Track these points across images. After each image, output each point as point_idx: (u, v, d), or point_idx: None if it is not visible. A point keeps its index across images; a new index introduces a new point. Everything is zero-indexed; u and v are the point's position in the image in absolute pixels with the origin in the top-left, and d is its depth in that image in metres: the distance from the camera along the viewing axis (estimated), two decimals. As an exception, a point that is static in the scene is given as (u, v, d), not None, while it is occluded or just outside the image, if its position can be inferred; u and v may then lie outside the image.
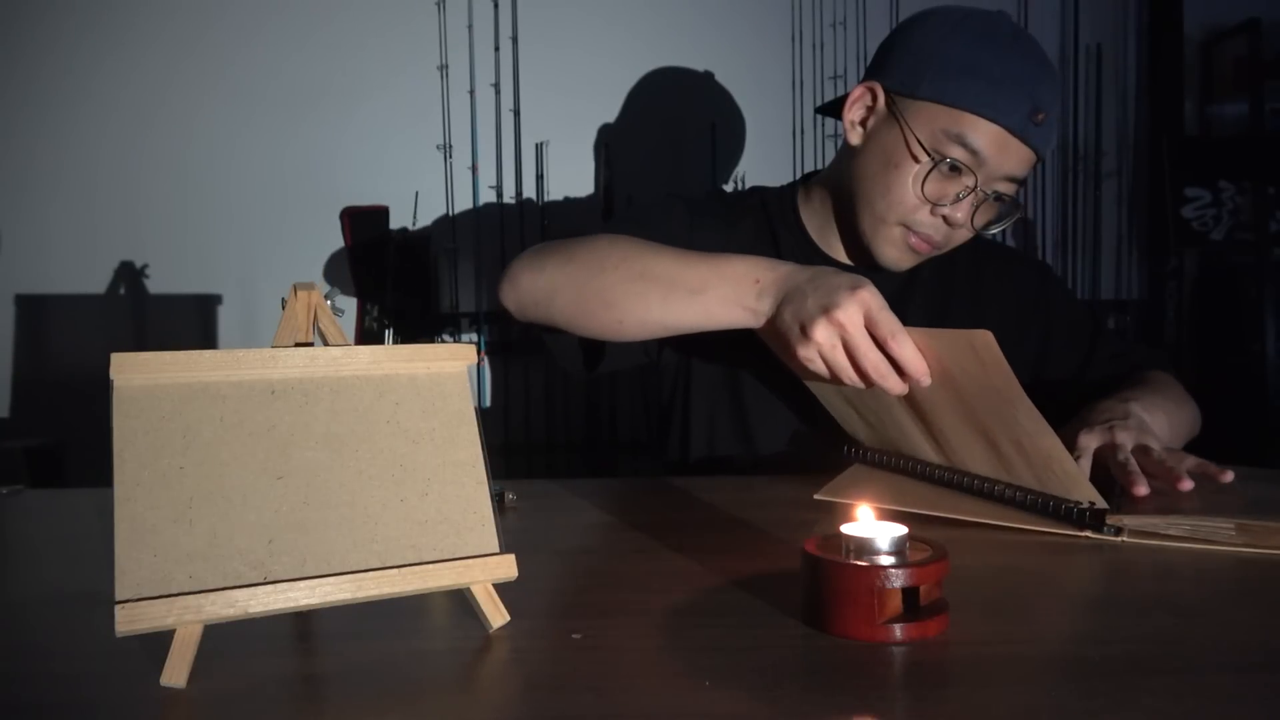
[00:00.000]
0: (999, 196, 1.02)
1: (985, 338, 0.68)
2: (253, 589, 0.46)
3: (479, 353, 2.22)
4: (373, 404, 0.53)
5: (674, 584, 0.62)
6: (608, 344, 1.03)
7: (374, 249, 2.10)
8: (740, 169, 2.31)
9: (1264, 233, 2.31)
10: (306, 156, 2.31)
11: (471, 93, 2.24)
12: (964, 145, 0.98)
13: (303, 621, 0.54)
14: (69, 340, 2.34)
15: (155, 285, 2.34)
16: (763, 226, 1.16)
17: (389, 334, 2.10)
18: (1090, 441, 0.86)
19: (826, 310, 0.76)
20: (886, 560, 0.51)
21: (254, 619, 0.46)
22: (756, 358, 1.08)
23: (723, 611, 0.56)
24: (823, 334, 0.76)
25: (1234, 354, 2.36)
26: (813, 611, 0.52)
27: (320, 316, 0.54)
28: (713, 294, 0.86)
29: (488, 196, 2.28)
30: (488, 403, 2.31)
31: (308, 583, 0.47)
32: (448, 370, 0.55)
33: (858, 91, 1.06)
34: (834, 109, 1.12)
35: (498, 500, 0.86)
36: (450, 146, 2.24)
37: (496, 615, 0.53)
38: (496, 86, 2.25)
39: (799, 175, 1.24)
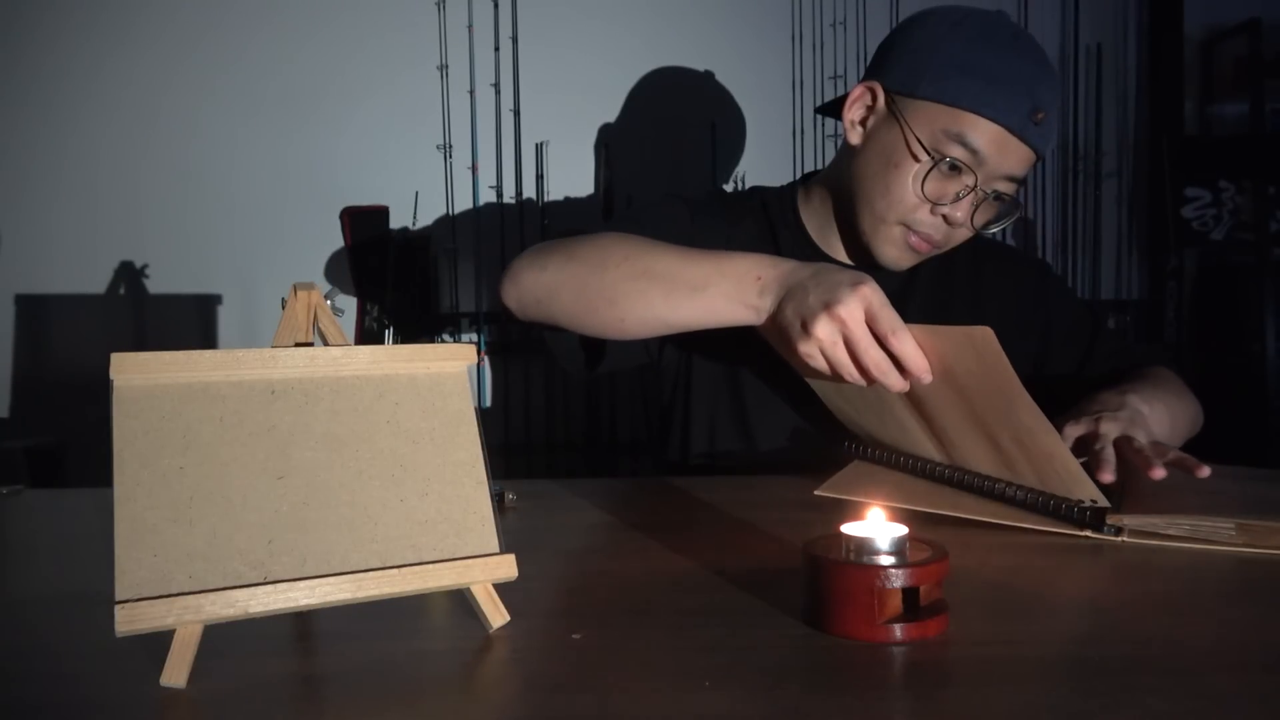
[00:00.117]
0: (999, 196, 1.02)
1: (985, 334, 0.68)
2: (253, 589, 0.46)
3: (479, 353, 2.22)
4: (372, 404, 0.53)
5: (674, 584, 0.62)
6: (608, 343, 1.03)
7: (374, 249, 2.10)
8: (740, 169, 2.31)
9: (1264, 233, 2.31)
10: (307, 156, 2.31)
11: (471, 93, 2.24)
12: (964, 144, 0.98)
13: (303, 621, 0.54)
14: (69, 340, 2.34)
15: (155, 285, 2.34)
16: (763, 226, 1.16)
17: (389, 334, 2.10)
18: (1075, 432, 0.85)
19: (828, 306, 0.76)
20: (886, 560, 0.51)
21: (254, 619, 0.46)
22: (757, 357, 1.08)
23: (723, 611, 0.56)
24: (824, 330, 0.76)
25: (1234, 354, 2.36)
26: (813, 611, 0.52)
27: (320, 316, 0.54)
28: (715, 291, 0.86)
29: (488, 196, 2.28)
30: (488, 403, 2.31)
31: (308, 583, 0.47)
32: (447, 370, 0.55)
33: (857, 91, 1.06)
34: (834, 109, 1.12)
35: (498, 500, 0.86)
36: (450, 146, 2.24)
37: (496, 615, 0.53)
38: (496, 86, 2.24)
39: (799, 175, 1.24)
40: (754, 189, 1.25)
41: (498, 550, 0.52)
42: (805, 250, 1.14)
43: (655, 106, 2.31)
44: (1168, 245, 2.36)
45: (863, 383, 0.78)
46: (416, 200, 2.16)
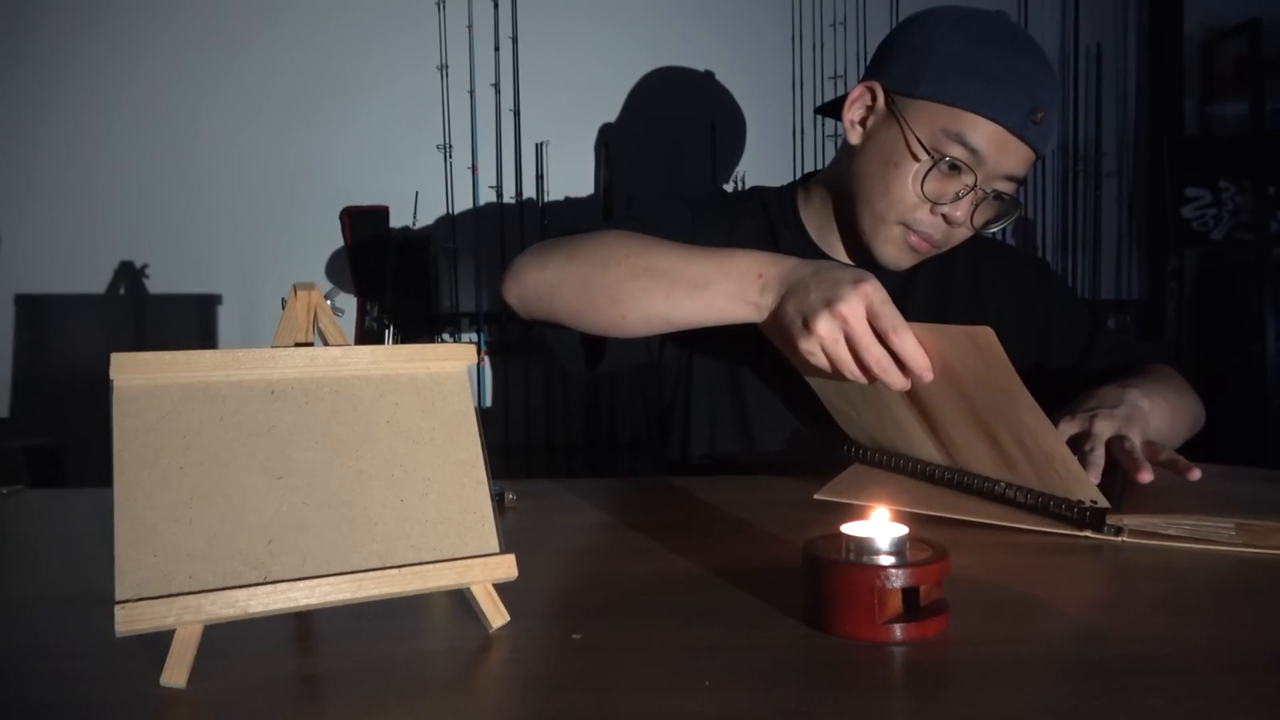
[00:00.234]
0: (998, 195, 1.02)
1: (987, 334, 0.68)
2: (253, 589, 0.46)
3: (479, 353, 2.22)
4: (373, 404, 0.53)
5: (674, 584, 0.62)
6: (608, 343, 1.03)
7: (374, 249, 2.10)
8: (740, 169, 2.31)
9: (1264, 233, 2.31)
10: (307, 156, 2.31)
11: (471, 93, 2.24)
12: (963, 144, 0.98)
13: (303, 621, 0.54)
14: (69, 340, 2.34)
15: (155, 285, 2.34)
16: (763, 226, 1.16)
17: (389, 334, 2.10)
18: (1069, 429, 0.85)
19: (829, 303, 0.76)
20: (886, 560, 0.51)
21: (254, 619, 0.46)
22: (757, 358, 1.07)
23: (723, 611, 0.56)
24: (825, 327, 0.76)
25: (1234, 354, 2.36)
26: (813, 611, 0.52)
27: (320, 316, 0.54)
28: (716, 289, 0.86)
29: (488, 196, 2.28)
30: (488, 403, 2.31)
31: (308, 583, 0.47)
32: (447, 370, 0.55)
33: (857, 91, 1.06)
34: (833, 109, 1.12)
35: (498, 500, 0.86)
36: (450, 146, 2.24)
37: (496, 615, 0.53)
38: (496, 86, 2.25)
39: (799, 175, 1.24)
40: (754, 189, 1.25)
41: (498, 550, 0.52)
42: (805, 250, 1.14)
43: (655, 106, 2.31)
44: (1168, 245, 2.36)
45: (864, 381, 0.78)
46: (416, 200, 2.16)
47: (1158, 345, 2.36)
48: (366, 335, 2.12)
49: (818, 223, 1.16)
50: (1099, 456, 0.80)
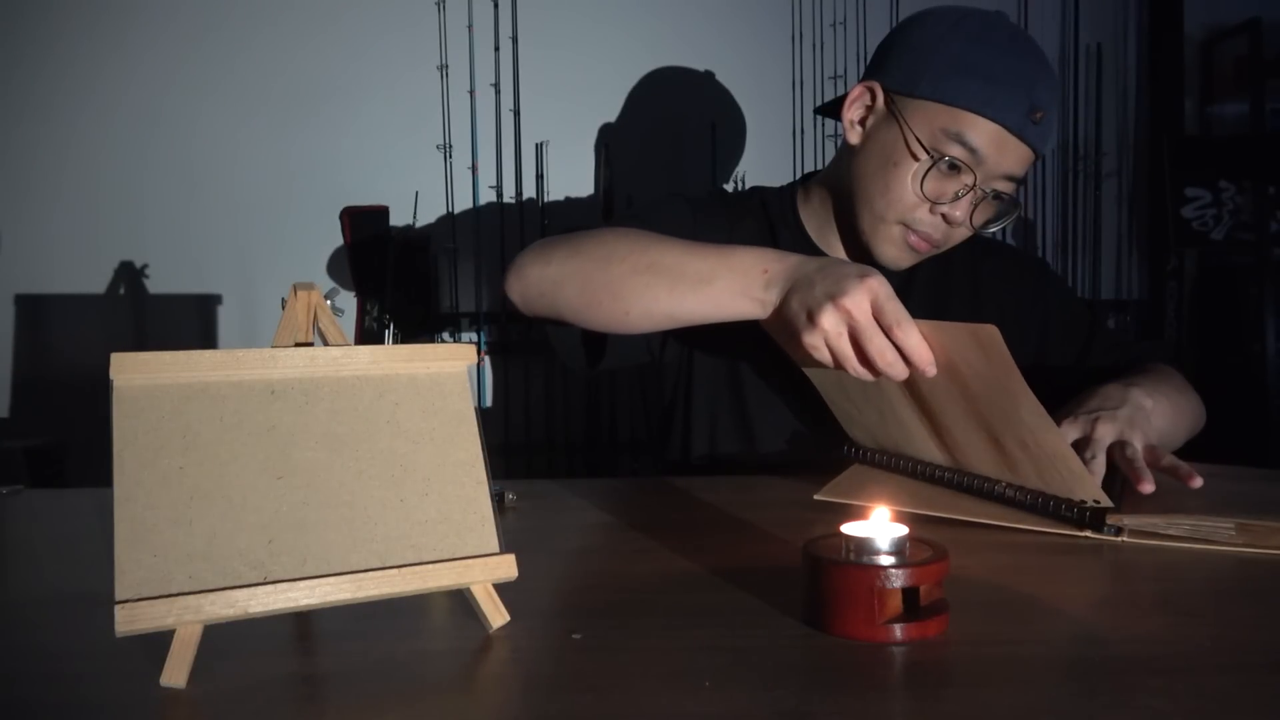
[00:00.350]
0: (998, 195, 1.02)
1: (991, 332, 0.68)
2: (253, 589, 0.46)
3: (479, 353, 2.22)
4: (373, 404, 0.53)
5: (674, 584, 0.62)
6: (609, 341, 1.03)
7: (374, 249, 2.10)
8: (740, 169, 2.31)
9: (1264, 233, 2.31)
10: (307, 156, 2.31)
11: (471, 93, 2.24)
12: (963, 144, 0.98)
13: (303, 621, 0.54)
14: (69, 340, 2.34)
15: (155, 285, 2.34)
16: (763, 226, 1.16)
17: (389, 334, 2.10)
18: (1072, 432, 0.85)
19: (834, 298, 0.76)
20: (886, 560, 0.51)
21: (254, 619, 0.46)
22: (758, 357, 1.07)
23: (723, 611, 0.56)
24: (830, 321, 0.76)
25: (1234, 354, 2.35)
26: (813, 611, 0.52)
27: (320, 316, 0.54)
28: (720, 284, 0.85)
29: (488, 196, 2.28)
30: (488, 403, 2.31)
31: (308, 583, 0.47)
32: (447, 370, 0.55)
33: (857, 91, 1.06)
34: (833, 109, 1.12)
35: (498, 500, 0.86)
36: (450, 146, 2.24)
37: (496, 615, 0.53)
38: (496, 86, 2.25)
39: (799, 175, 1.24)
40: (754, 189, 1.25)
41: (498, 550, 0.52)
42: (805, 250, 1.14)
43: (655, 106, 2.31)
44: (1168, 245, 2.36)
45: (867, 376, 0.78)
46: (416, 200, 2.16)
47: (1157, 345, 2.36)
48: (366, 335, 2.12)
49: (817, 223, 1.16)
50: (1100, 465, 0.81)
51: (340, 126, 2.31)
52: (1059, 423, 0.86)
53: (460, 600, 0.56)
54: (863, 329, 0.75)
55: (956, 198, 1.00)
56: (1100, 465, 0.80)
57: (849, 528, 0.53)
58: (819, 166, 2.12)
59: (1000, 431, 0.75)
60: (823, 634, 0.51)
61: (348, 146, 2.31)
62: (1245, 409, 2.25)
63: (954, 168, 0.99)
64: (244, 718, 0.43)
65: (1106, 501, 0.72)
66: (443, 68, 2.24)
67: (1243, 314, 2.36)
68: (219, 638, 0.47)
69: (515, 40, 2.24)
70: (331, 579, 0.48)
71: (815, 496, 0.81)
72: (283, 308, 0.53)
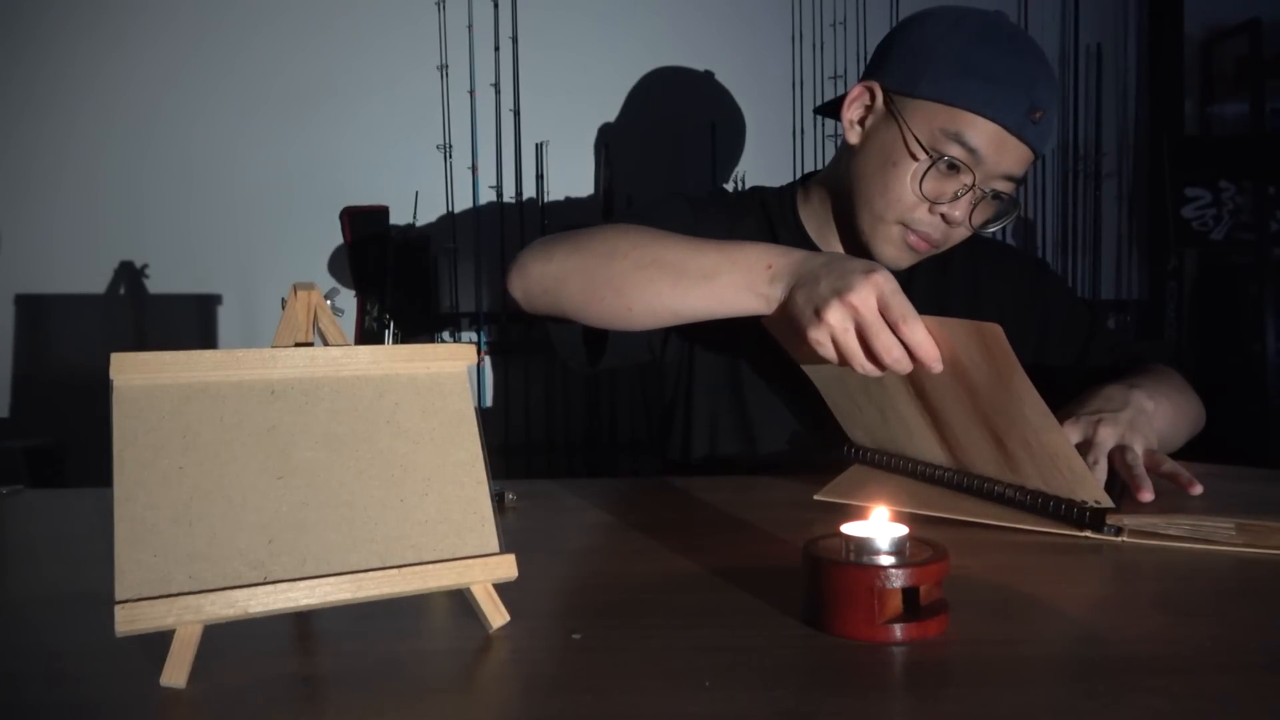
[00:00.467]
0: (997, 195, 1.02)
1: (995, 330, 0.68)
2: (253, 589, 0.46)
3: (479, 353, 2.22)
4: (372, 404, 0.53)
5: (674, 584, 0.62)
6: (610, 339, 1.03)
7: (374, 248, 2.10)
8: (740, 169, 2.31)
9: (1264, 233, 2.31)
10: (307, 156, 2.31)
11: (471, 93, 2.24)
12: (962, 144, 0.98)
13: (303, 621, 0.54)
14: (69, 340, 2.34)
15: (155, 285, 2.34)
16: (763, 226, 1.17)
17: (389, 334, 2.10)
18: (1073, 435, 0.85)
19: (840, 293, 0.76)
20: (886, 560, 0.51)
21: (254, 619, 0.46)
22: (759, 358, 1.07)
23: (723, 611, 0.56)
24: (835, 316, 0.76)
25: (1234, 354, 2.35)
26: (813, 611, 0.52)
27: (320, 316, 0.54)
28: (724, 280, 0.85)
29: (488, 196, 2.28)
30: (488, 403, 2.31)
31: (308, 583, 0.47)
32: (447, 370, 0.55)
33: (856, 91, 1.06)
34: (833, 109, 1.12)
35: (498, 500, 0.86)
36: (450, 146, 2.24)
37: (496, 615, 0.53)
38: (496, 86, 2.25)
39: (799, 175, 1.24)
40: (754, 189, 1.25)
41: (498, 550, 0.52)
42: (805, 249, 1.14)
43: (655, 106, 2.31)
44: (1168, 245, 2.36)
45: (873, 371, 0.77)
46: (416, 200, 2.16)
47: (1157, 345, 2.36)
48: (366, 335, 2.12)
49: (817, 223, 1.16)
50: (1101, 470, 0.81)
51: (340, 126, 2.31)
52: (1060, 423, 0.86)
53: (460, 600, 0.56)
54: (869, 325, 0.75)
55: (956, 197, 1.00)
56: (1102, 470, 0.81)
57: (849, 528, 0.53)
58: (819, 166, 2.12)
59: (1003, 429, 0.75)
60: (823, 634, 0.51)
61: (348, 146, 2.31)
62: (1245, 409, 2.25)
63: (953, 168, 0.99)
64: (244, 718, 0.43)
65: (1108, 502, 0.72)
66: (443, 68, 2.24)
67: (1243, 314, 2.36)
68: (219, 638, 0.48)
69: (515, 40, 2.24)
70: (331, 579, 0.48)
71: (815, 497, 0.81)
72: (283, 308, 0.53)
